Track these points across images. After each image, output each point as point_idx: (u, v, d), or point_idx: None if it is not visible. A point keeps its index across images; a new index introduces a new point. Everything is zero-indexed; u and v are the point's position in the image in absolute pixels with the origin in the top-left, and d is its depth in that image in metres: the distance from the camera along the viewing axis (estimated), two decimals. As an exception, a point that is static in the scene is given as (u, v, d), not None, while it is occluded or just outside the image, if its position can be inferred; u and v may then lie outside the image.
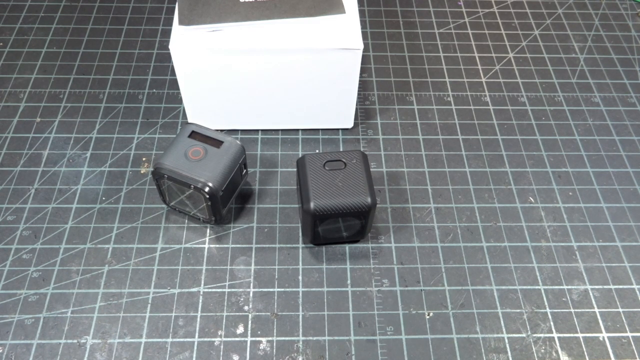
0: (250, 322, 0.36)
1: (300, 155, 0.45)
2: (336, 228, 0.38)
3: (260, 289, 0.38)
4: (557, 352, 0.36)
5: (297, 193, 0.41)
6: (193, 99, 0.44)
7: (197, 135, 0.39)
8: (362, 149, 0.45)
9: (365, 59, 0.52)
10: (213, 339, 0.36)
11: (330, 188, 0.37)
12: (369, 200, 0.36)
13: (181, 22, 0.40)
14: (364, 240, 0.40)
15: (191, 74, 0.41)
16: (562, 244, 0.41)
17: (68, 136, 0.46)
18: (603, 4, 0.59)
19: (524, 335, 0.36)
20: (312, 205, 0.36)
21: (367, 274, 0.39)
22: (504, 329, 0.36)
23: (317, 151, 0.45)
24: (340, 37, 0.40)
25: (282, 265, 0.39)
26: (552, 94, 0.50)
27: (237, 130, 0.47)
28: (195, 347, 0.35)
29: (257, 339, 0.36)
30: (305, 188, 0.37)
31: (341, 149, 0.45)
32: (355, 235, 0.39)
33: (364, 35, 0.55)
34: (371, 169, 0.44)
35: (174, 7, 0.57)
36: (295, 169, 0.44)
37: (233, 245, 0.40)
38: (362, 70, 0.51)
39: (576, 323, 0.37)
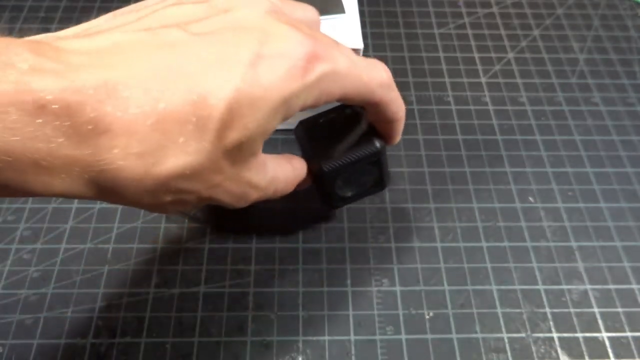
0: (250, 322, 0.37)
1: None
2: (353, 183, 0.36)
3: (260, 289, 0.38)
4: (556, 351, 0.36)
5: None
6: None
7: (197, 135, 0.39)
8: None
9: (365, 59, 0.52)
10: (213, 339, 0.36)
11: (335, 143, 0.35)
12: (377, 143, 0.34)
13: (181, 22, 0.40)
14: (364, 241, 0.40)
15: (191, 74, 0.41)
16: (562, 243, 0.41)
17: (68, 136, 0.46)
18: (602, 4, 0.59)
19: (523, 335, 0.36)
20: (321, 165, 0.34)
21: (367, 274, 0.39)
22: (503, 329, 0.37)
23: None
24: (340, 37, 0.40)
25: (282, 265, 0.39)
26: (552, 94, 0.50)
27: (237, 130, 0.46)
28: (195, 347, 0.35)
29: (257, 338, 0.36)
30: (310, 150, 0.35)
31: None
32: (375, 186, 0.37)
33: (364, 35, 0.55)
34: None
35: (174, 7, 0.57)
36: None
37: (233, 245, 0.40)
38: (362, 71, 0.51)
39: (576, 323, 0.37)
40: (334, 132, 0.36)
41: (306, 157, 0.36)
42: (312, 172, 0.35)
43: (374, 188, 0.38)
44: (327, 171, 0.34)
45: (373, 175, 0.37)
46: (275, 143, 0.46)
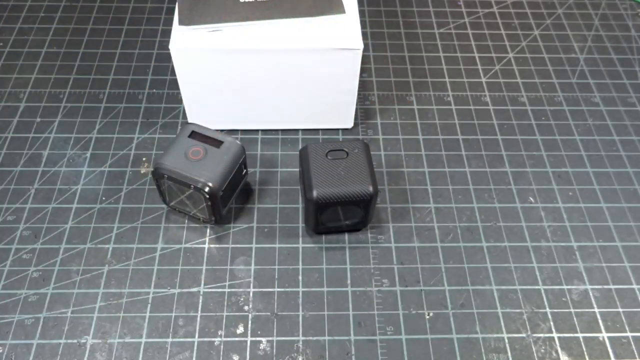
0: (250, 322, 0.36)
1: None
2: (338, 216, 0.38)
3: (260, 289, 0.38)
4: (557, 352, 0.36)
5: (299, 183, 0.42)
6: (193, 99, 0.44)
7: (197, 135, 0.39)
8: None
9: (365, 59, 0.52)
10: (213, 339, 0.36)
11: (332, 177, 0.37)
12: (370, 188, 0.37)
13: (181, 22, 0.40)
14: (364, 241, 0.40)
15: (191, 74, 0.41)
16: (562, 243, 0.41)
17: (68, 136, 0.46)
18: (603, 4, 0.59)
19: (523, 335, 0.36)
20: (314, 193, 0.36)
21: (367, 274, 0.39)
22: (503, 329, 0.36)
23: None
24: (340, 37, 0.40)
25: (282, 265, 0.39)
26: (552, 94, 0.50)
27: (237, 130, 0.47)
28: (195, 347, 0.35)
29: (257, 339, 0.36)
30: (308, 177, 0.37)
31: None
32: (357, 224, 0.40)
33: (364, 35, 0.55)
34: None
35: (174, 7, 0.57)
36: (294, 169, 0.44)
37: (233, 245, 0.40)
38: (362, 70, 0.51)
39: (576, 323, 0.37)
40: (337, 167, 0.38)
41: (303, 179, 0.38)
42: (305, 196, 0.37)
43: (357, 225, 0.40)
44: (319, 202, 0.36)
45: (359, 214, 0.39)
46: (275, 142, 0.46)
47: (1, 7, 0.56)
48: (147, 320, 0.36)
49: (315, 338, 0.36)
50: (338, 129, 0.47)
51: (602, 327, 0.37)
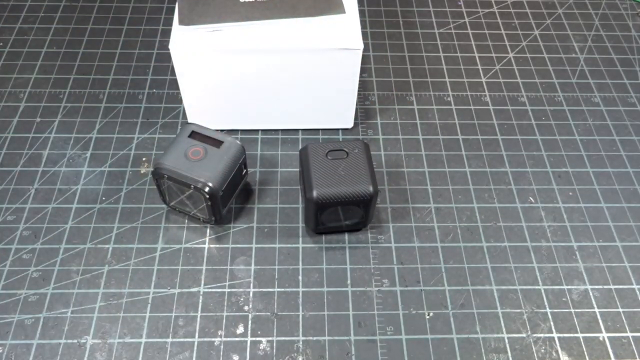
0: (250, 322, 0.36)
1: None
2: (338, 216, 0.39)
3: (260, 289, 0.38)
4: (557, 352, 0.36)
5: (299, 182, 0.42)
6: (193, 99, 0.44)
7: (197, 135, 0.39)
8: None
9: (365, 59, 0.52)
10: (213, 339, 0.36)
11: (332, 177, 0.37)
12: (370, 188, 0.37)
13: (181, 22, 0.40)
14: (364, 241, 0.40)
15: (191, 74, 0.41)
16: (562, 244, 0.41)
17: (68, 136, 0.46)
18: (603, 4, 0.59)
19: (524, 335, 0.36)
20: (314, 193, 0.36)
21: (367, 274, 0.39)
22: (504, 329, 0.36)
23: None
24: (340, 37, 0.40)
25: (282, 265, 0.39)
26: (552, 94, 0.50)
27: (237, 130, 0.47)
28: (195, 347, 0.35)
29: (257, 339, 0.36)
30: (308, 177, 0.37)
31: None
32: (357, 224, 0.40)
33: (364, 35, 0.55)
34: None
35: (174, 7, 0.57)
36: (294, 169, 0.44)
37: (233, 245, 0.40)
38: (362, 70, 0.51)
39: (576, 323, 0.37)
40: (337, 167, 0.38)
41: (303, 179, 0.38)
42: (305, 196, 0.37)
43: (357, 225, 0.40)
44: (319, 202, 0.36)
45: (359, 214, 0.39)
46: (275, 142, 0.46)
47: (1, 7, 0.56)
48: (147, 320, 0.36)
49: (315, 338, 0.36)
50: (338, 129, 0.47)
51: (602, 327, 0.37)
